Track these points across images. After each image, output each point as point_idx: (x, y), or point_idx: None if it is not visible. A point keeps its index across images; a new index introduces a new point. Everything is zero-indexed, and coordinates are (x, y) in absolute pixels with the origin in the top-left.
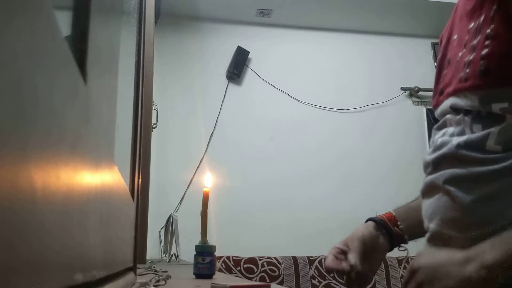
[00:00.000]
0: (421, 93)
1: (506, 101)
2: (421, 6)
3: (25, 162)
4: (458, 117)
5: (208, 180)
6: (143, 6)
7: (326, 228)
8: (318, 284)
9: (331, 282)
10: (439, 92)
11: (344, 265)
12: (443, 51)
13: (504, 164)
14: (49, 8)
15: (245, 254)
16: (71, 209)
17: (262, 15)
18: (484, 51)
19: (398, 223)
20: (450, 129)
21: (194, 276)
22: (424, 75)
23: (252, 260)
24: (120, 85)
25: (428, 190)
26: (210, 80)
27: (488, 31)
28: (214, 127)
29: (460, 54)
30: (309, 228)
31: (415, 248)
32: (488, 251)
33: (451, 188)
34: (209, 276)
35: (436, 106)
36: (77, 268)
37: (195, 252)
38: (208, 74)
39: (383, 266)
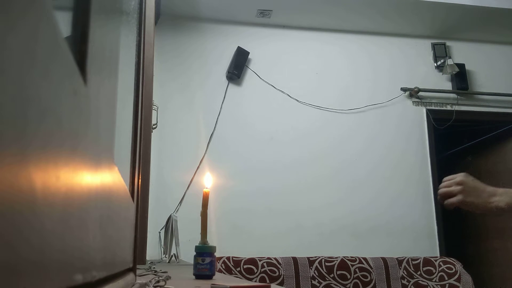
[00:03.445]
0: (421, 93)
1: None
2: (421, 7)
3: (25, 163)
4: None
5: (208, 181)
6: (143, 6)
7: (326, 228)
8: (318, 284)
9: (331, 283)
10: None
11: None
12: None
13: None
14: (49, 8)
15: (245, 254)
16: (71, 210)
17: (262, 16)
18: None
19: None
20: None
21: (194, 277)
22: (424, 75)
23: (252, 261)
24: (120, 85)
25: None
26: (210, 81)
27: None
28: (214, 127)
29: None
30: (309, 225)
31: None
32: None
33: None
34: (209, 276)
35: None
36: (77, 268)
37: (195, 253)
38: (208, 75)
39: (383, 266)
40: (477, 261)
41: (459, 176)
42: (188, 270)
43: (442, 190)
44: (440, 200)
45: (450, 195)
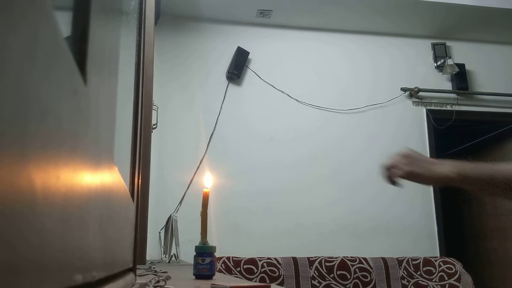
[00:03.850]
0: (421, 93)
1: None
2: (421, 7)
3: (25, 163)
4: None
5: (208, 181)
6: (143, 6)
7: (326, 228)
8: (318, 284)
9: (331, 283)
10: None
11: None
12: None
13: None
14: (49, 8)
15: (245, 254)
16: (71, 210)
17: (262, 16)
18: None
19: None
20: None
21: (194, 277)
22: (424, 75)
23: (252, 261)
24: (120, 85)
25: None
26: (210, 81)
27: None
28: (214, 127)
29: None
30: (309, 225)
31: None
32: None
33: None
34: (209, 276)
35: None
36: (77, 268)
37: (195, 253)
38: (208, 75)
39: (383, 266)
40: (477, 261)
41: (405, 150)
42: (188, 270)
43: (387, 162)
44: (384, 174)
45: (396, 168)
